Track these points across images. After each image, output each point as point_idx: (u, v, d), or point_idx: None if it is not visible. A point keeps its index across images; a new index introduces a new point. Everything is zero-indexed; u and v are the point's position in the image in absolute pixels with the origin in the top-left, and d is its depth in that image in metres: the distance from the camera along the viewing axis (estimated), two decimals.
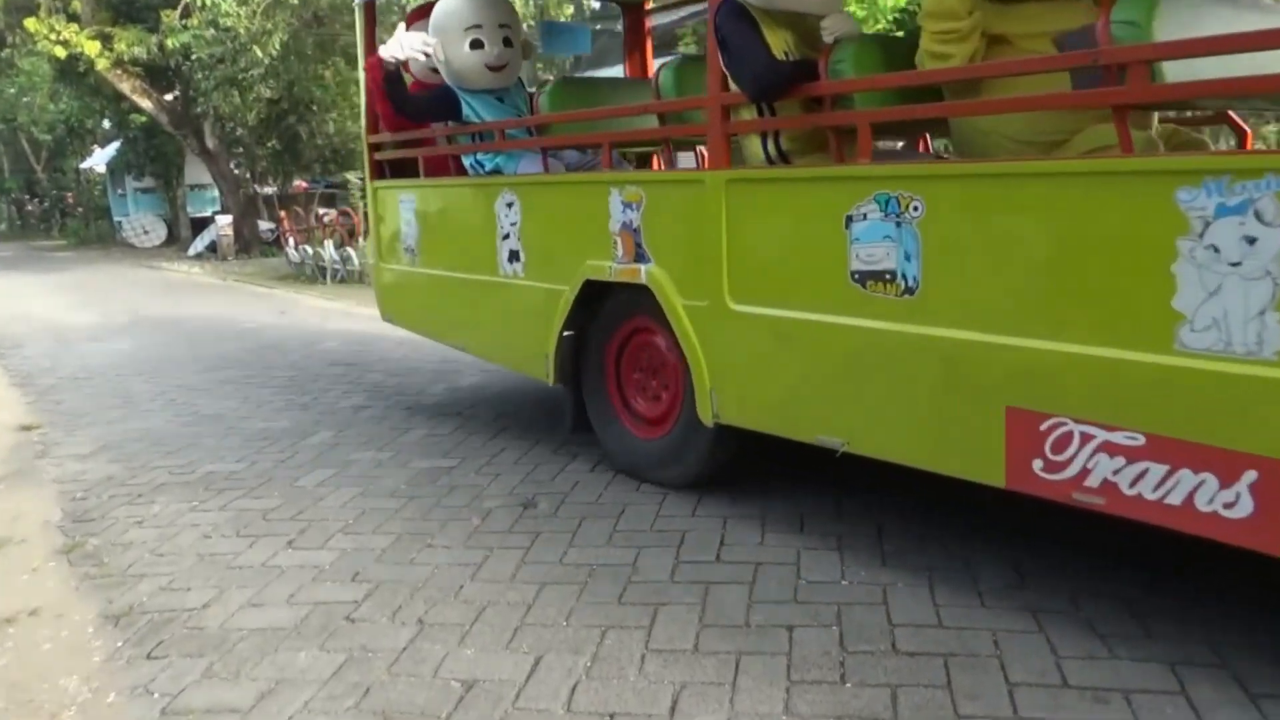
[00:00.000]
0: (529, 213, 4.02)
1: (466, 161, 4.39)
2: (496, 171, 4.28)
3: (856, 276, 2.79)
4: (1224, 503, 2.12)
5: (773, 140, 3.10)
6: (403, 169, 4.97)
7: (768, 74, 2.87)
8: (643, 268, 3.48)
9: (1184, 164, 2.20)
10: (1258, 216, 2.00)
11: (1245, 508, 2.09)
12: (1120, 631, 2.47)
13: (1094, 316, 2.29)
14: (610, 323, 3.84)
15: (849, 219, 2.78)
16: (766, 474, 3.74)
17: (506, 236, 4.16)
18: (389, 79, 4.17)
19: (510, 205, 4.11)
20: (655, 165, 4.43)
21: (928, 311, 2.63)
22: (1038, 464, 2.45)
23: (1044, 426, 2.42)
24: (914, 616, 2.59)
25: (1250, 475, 2.07)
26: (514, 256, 4.14)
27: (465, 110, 4.25)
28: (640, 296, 3.60)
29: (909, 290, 2.66)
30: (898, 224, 2.66)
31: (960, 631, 2.50)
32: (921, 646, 2.43)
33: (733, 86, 3.09)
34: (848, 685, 2.29)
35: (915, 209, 2.61)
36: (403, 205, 4.86)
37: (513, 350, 4.33)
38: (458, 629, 2.64)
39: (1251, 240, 2.01)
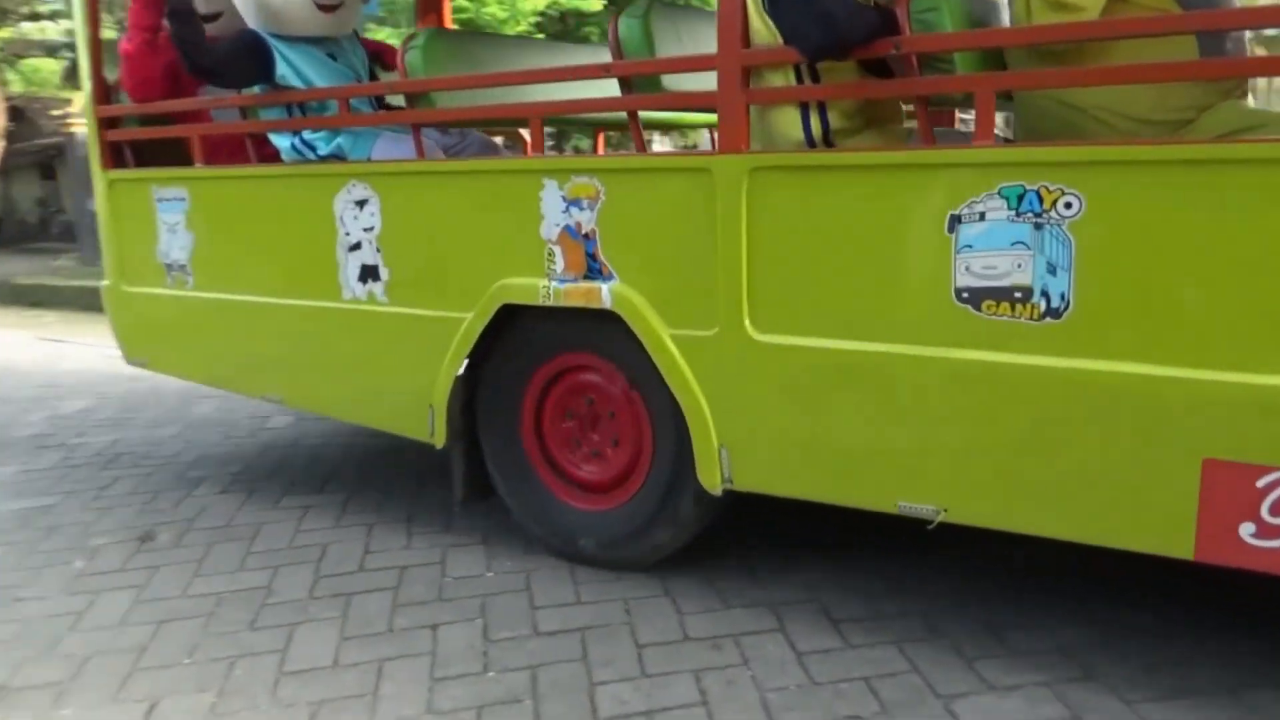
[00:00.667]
0: (397, 213, 2.94)
1: (285, 143, 3.18)
2: (336, 157, 3.13)
3: (965, 295, 2.13)
4: None
5: (818, 115, 2.34)
6: (154, 154, 3.59)
7: (848, 19, 2.09)
8: (604, 287, 2.58)
9: None
10: None
11: None
12: (733, 584, 2.73)
13: None
14: (528, 360, 2.88)
15: (956, 219, 2.11)
16: (416, 474, 3.70)
17: (356, 246, 3.04)
18: (178, 17, 2.89)
19: (363, 204, 2.99)
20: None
21: (1083, 339, 2.02)
22: (1247, 529, 1.93)
23: (1263, 483, 1.90)
24: (555, 598, 2.69)
25: None
26: (369, 274, 3.03)
27: (281, 68, 3.06)
28: (581, 326, 2.71)
29: (1052, 312, 2.04)
30: (1037, 226, 2.03)
31: (597, 605, 2.64)
32: (561, 625, 2.54)
33: (759, 39, 2.31)
34: (490, 674, 2.33)
35: (1067, 206, 1.99)
36: (163, 205, 3.49)
37: (368, 401, 3.19)
38: (52, 689, 2.34)
39: None
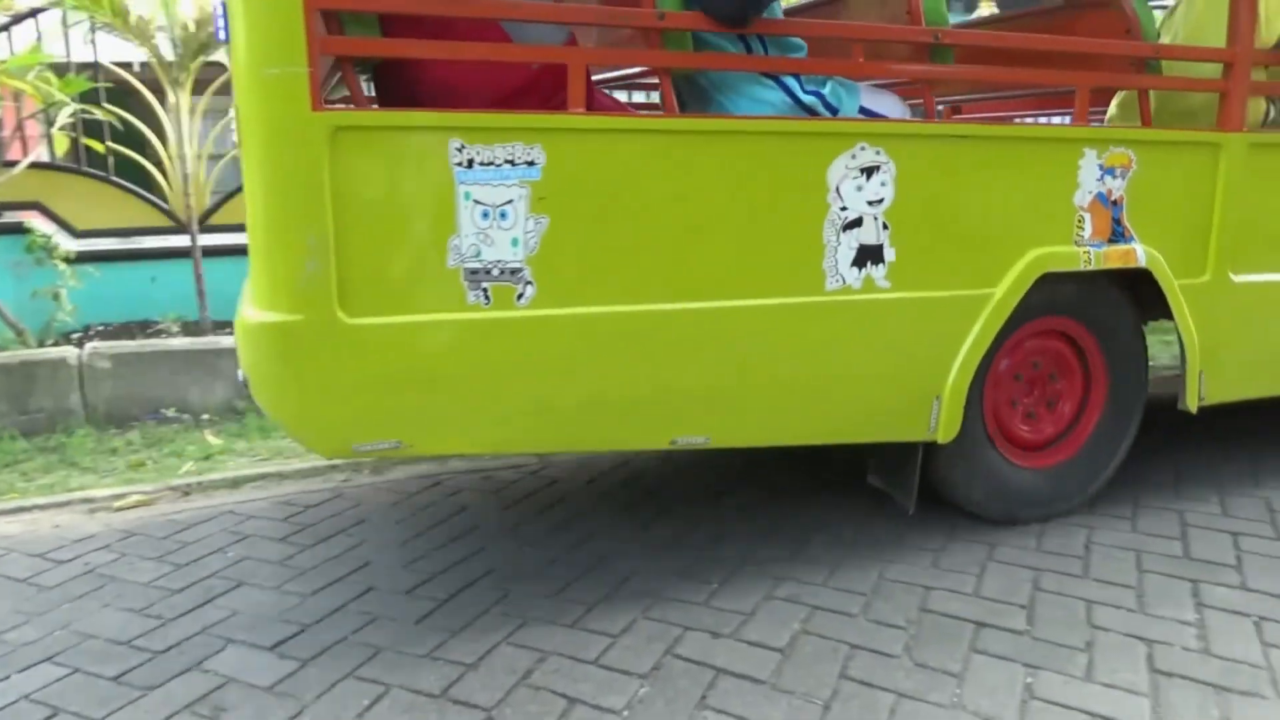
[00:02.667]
0: (911, 183, 2.53)
1: (772, 92, 2.31)
2: (823, 106, 2.45)
3: None
4: None
5: (1275, 105, 3.01)
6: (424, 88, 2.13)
7: None
8: (1138, 248, 2.82)
9: None
10: None
11: None
12: None
13: None
14: (1004, 330, 2.84)
15: None
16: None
17: (855, 224, 2.50)
18: None
19: (870, 172, 2.48)
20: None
21: None
22: None
23: None
24: None
25: None
26: (870, 256, 2.53)
27: None
28: (1078, 289, 2.87)
29: None
30: None
31: None
32: None
33: (1254, 42, 2.88)
34: None
35: None
36: (478, 174, 2.13)
37: (840, 411, 2.61)
38: None
39: None
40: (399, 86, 2.34)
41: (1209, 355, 3.01)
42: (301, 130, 2.00)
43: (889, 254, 2.56)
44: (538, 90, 2.34)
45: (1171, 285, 2.90)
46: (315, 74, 1.99)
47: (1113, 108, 3.34)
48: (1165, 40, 3.20)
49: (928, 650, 2.27)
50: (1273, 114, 3.16)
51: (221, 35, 2.05)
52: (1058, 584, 2.60)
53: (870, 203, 2.51)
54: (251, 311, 2.13)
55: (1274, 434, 3.73)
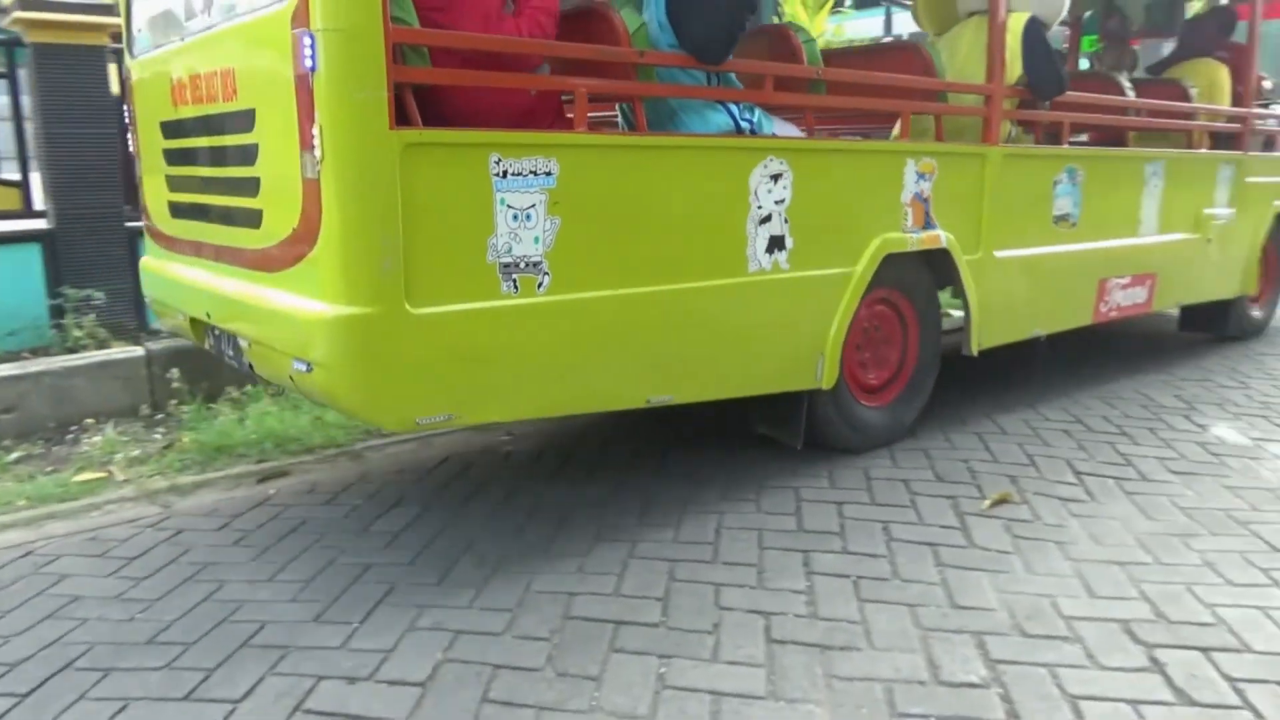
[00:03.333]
0: (803, 186, 3.23)
1: (720, 116, 2.87)
2: (751, 130, 3.05)
3: (1055, 219, 4.31)
4: None
5: (1015, 126, 4.03)
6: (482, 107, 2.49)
7: (1066, 82, 3.95)
8: (941, 233, 3.72)
9: None
10: None
11: None
12: None
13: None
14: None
15: (1054, 182, 4.26)
16: None
17: (767, 219, 3.16)
18: None
19: (777, 178, 3.15)
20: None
21: (1081, 236, 4.46)
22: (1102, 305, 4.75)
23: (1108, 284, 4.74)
24: None
25: None
26: (776, 245, 3.21)
27: None
28: (899, 266, 3.73)
29: (1074, 224, 4.42)
30: (1074, 184, 4.36)
31: None
32: None
33: (1003, 81, 3.89)
34: None
35: (1081, 175, 4.39)
36: (510, 182, 2.54)
37: (756, 368, 3.24)
38: None
39: None
40: (425, 107, 2.66)
41: (982, 312, 4.02)
42: (382, 146, 2.31)
43: (789, 242, 3.25)
44: (537, 112, 2.77)
45: (961, 260, 3.85)
46: (392, 98, 2.31)
47: (896, 128, 4.27)
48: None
49: (569, 658, 2.27)
50: (1014, 133, 4.25)
51: (308, 64, 2.29)
52: (691, 572, 2.70)
53: (777, 202, 3.18)
54: (323, 306, 2.39)
55: None
